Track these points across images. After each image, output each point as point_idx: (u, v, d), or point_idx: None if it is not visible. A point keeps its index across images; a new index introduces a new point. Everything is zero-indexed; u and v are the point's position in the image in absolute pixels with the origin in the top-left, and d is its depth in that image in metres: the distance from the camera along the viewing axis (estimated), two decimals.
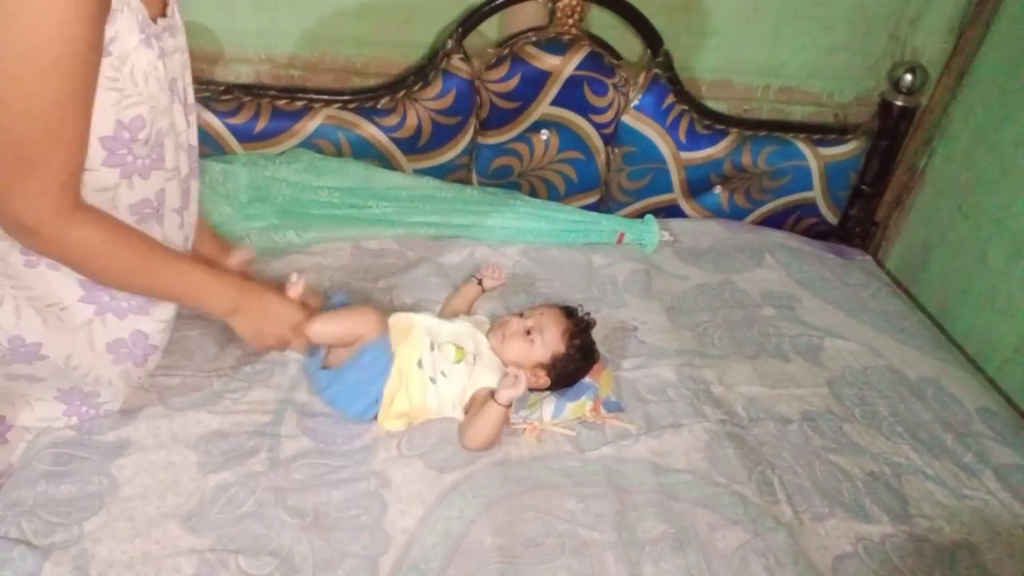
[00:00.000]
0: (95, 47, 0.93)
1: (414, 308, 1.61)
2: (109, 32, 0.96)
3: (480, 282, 1.65)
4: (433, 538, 1.20)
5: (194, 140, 1.25)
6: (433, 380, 1.37)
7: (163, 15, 1.08)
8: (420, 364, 1.37)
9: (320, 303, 1.45)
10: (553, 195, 2.12)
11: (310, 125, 1.88)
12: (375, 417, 1.37)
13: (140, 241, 1.09)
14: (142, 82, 1.02)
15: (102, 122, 1.00)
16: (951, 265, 2.07)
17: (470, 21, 1.89)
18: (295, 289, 1.32)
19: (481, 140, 2.01)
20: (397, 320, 1.42)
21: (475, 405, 1.37)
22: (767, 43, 2.07)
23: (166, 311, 1.22)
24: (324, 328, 1.34)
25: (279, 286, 1.34)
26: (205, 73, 1.91)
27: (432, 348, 1.39)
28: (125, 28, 0.98)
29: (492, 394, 1.34)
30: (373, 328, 1.37)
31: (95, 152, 1.01)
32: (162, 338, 1.25)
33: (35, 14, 0.86)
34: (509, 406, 1.35)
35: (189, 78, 1.21)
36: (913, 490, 1.43)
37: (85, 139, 0.98)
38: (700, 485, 1.35)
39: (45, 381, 1.19)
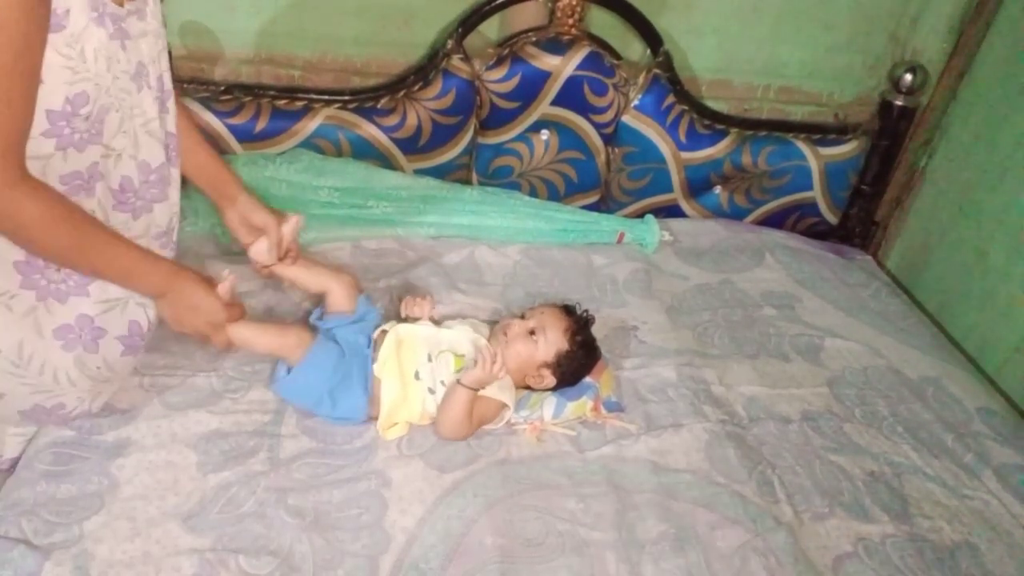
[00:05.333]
0: (35, 15, 0.92)
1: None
2: (63, 5, 0.95)
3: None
4: (433, 537, 1.20)
5: (171, 127, 1.24)
6: (432, 391, 1.37)
7: None
8: (417, 376, 1.37)
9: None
10: (553, 195, 2.12)
11: (310, 125, 1.88)
12: (369, 418, 1.37)
13: (81, 218, 1.07)
14: (91, 60, 1.02)
15: (52, 96, 0.99)
16: (951, 265, 2.07)
17: (470, 21, 1.89)
18: (222, 287, 1.30)
19: (481, 140, 2.01)
20: (395, 331, 1.42)
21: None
22: (767, 43, 2.07)
23: (104, 291, 1.19)
24: (243, 334, 1.32)
25: (213, 281, 1.31)
26: (205, 73, 1.91)
27: (430, 359, 1.39)
28: (78, 4, 0.97)
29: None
30: (294, 349, 1.34)
31: (38, 122, 1.00)
32: (110, 320, 1.21)
33: None
34: (476, 389, 1.34)
35: (166, 64, 1.20)
36: (913, 490, 1.43)
37: (29, 107, 0.96)
38: (700, 485, 1.35)
39: (4, 399, 1.16)
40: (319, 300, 1.53)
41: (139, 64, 1.12)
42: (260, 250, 1.44)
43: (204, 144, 1.38)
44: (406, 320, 1.49)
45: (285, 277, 1.49)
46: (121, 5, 1.05)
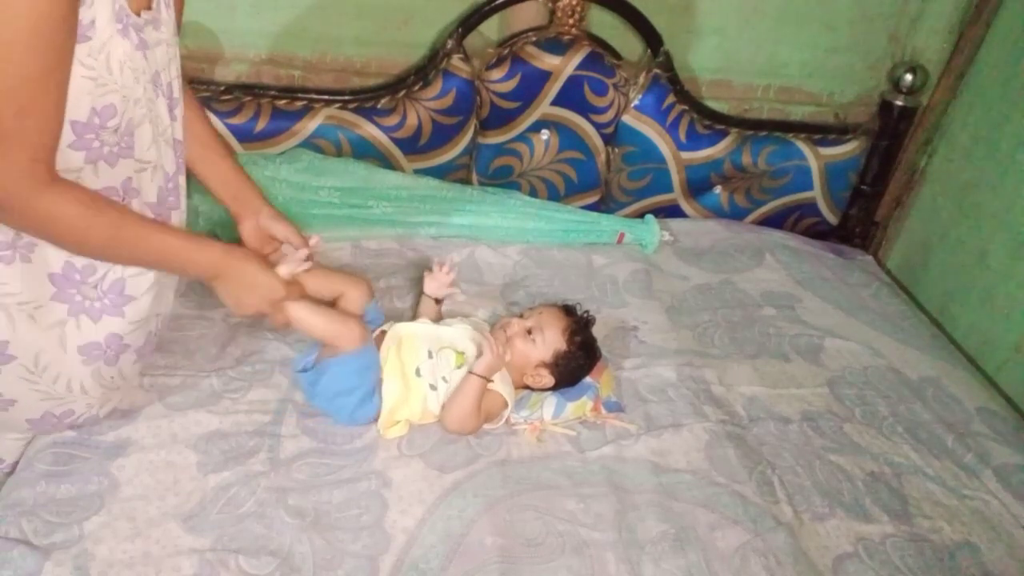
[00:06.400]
0: (65, 26, 0.93)
1: (414, 308, 1.61)
2: (87, 16, 0.96)
3: (436, 300, 1.57)
4: (433, 538, 1.20)
5: (179, 134, 1.24)
6: (433, 387, 1.37)
7: (148, 8, 1.08)
8: (418, 372, 1.37)
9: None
10: (553, 195, 2.12)
11: (310, 125, 1.88)
12: (373, 420, 1.37)
13: (116, 211, 1.08)
14: (117, 71, 1.02)
15: (76, 107, 1.00)
16: (951, 265, 2.07)
17: (470, 21, 1.89)
18: (284, 269, 1.29)
19: (481, 140, 2.01)
20: (394, 331, 1.42)
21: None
22: (767, 43, 2.07)
23: (139, 309, 1.19)
24: (305, 314, 1.30)
25: (269, 259, 1.31)
26: (205, 73, 1.91)
27: (430, 356, 1.39)
28: (103, 16, 0.98)
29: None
30: (353, 340, 1.33)
31: (64, 134, 1.01)
32: (135, 337, 1.21)
33: None
34: (487, 379, 1.34)
35: (176, 71, 1.20)
36: (913, 490, 1.43)
37: (59, 115, 0.97)
38: (700, 485, 1.35)
39: (15, 406, 1.16)
40: None
41: (155, 73, 1.12)
42: (291, 267, 1.34)
43: (230, 157, 1.37)
44: (423, 294, 1.52)
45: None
46: (138, 15, 1.05)
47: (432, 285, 1.54)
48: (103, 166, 1.07)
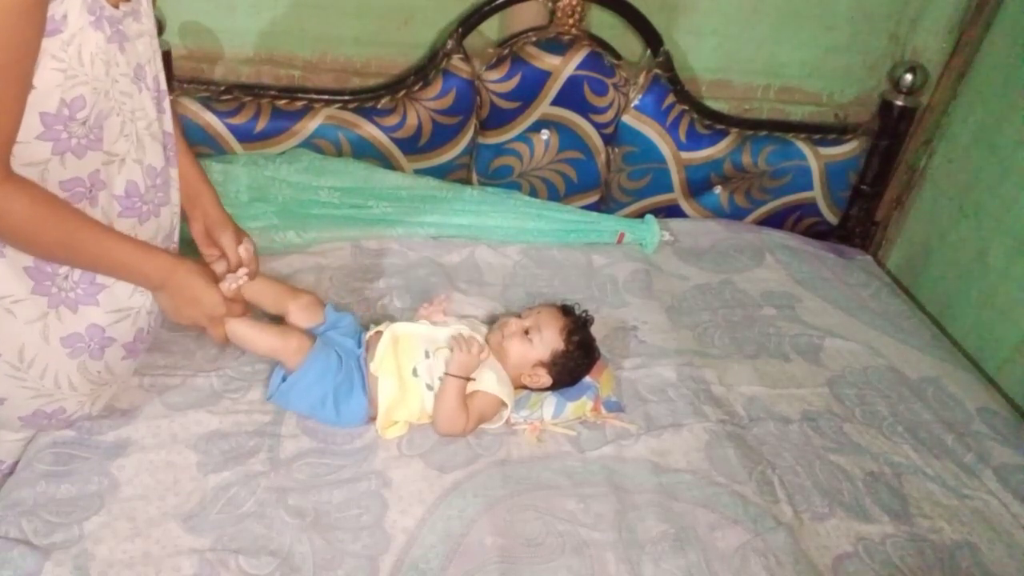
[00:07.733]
0: (30, 21, 0.92)
1: (413, 308, 1.61)
2: (59, 10, 0.95)
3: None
4: (433, 538, 1.20)
5: (168, 127, 1.24)
6: (430, 387, 1.37)
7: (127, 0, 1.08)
8: (415, 372, 1.37)
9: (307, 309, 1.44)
10: (553, 195, 2.12)
11: (310, 125, 1.88)
12: (367, 419, 1.37)
13: (69, 214, 1.07)
14: (88, 63, 1.01)
15: (45, 99, 0.99)
16: (951, 265, 2.07)
17: (470, 21, 1.89)
18: (225, 285, 1.29)
19: (481, 140, 2.01)
20: (391, 331, 1.42)
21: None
22: (767, 43, 2.08)
23: (115, 298, 1.18)
24: (242, 331, 1.31)
25: (214, 273, 1.31)
26: (205, 73, 1.91)
27: (427, 356, 1.39)
28: (75, 7, 0.97)
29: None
30: (291, 353, 1.34)
31: (32, 126, 1.00)
32: (119, 330, 1.20)
33: None
34: (466, 378, 1.34)
35: (160, 64, 1.20)
36: (913, 490, 1.43)
37: (16, 111, 0.96)
38: (700, 485, 1.35)
39: (5, 404, 1.16)
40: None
41: (137, 66, 1.12)
42: (233, 283, 1.33)
43: (189, 155, 1.37)
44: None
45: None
46: (116, 7, 1.05)
47: (423, 313, 1.51)
48: (70, 158, 1.06)
